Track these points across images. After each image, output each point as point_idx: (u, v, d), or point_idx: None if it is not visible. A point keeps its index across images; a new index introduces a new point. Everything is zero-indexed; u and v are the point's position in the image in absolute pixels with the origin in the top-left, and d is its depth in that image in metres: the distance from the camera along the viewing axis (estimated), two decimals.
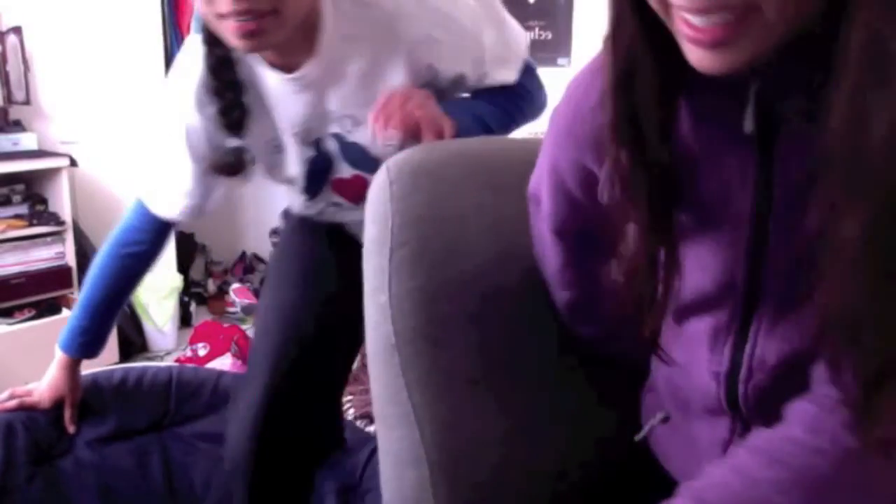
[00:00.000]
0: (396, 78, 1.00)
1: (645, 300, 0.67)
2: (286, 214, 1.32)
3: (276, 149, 1.08)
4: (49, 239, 2.68)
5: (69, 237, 2.71)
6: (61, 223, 2.68)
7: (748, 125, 0.60)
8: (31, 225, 2.63)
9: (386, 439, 0.82)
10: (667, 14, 0.53)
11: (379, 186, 0.83)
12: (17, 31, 2.68)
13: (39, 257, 2.66)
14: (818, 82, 0.51)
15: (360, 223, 1.03)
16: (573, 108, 0.70)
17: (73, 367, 1.27)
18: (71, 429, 1.30)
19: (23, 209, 2.66)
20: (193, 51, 1.02)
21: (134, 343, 2.86)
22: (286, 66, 0.99)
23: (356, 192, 1.09)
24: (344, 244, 1.21)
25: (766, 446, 0.61)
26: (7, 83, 2.66)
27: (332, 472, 1.40)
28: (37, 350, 2.34)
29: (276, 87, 1.01)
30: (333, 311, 1.17)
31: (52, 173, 2.68)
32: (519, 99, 1.10)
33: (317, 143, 1.06)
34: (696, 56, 0.51)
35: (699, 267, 0.67)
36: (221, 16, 0.86)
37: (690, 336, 0.72)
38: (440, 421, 0.79)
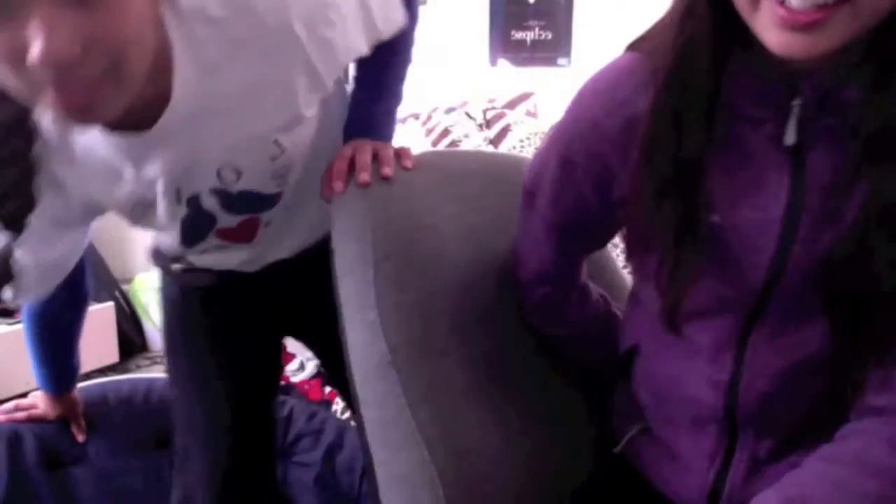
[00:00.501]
0: (287, 97, 0.80)
1: (675, 302, 0.67)
2: (157, 256, 1.07)
3: (140, 206, 0.84)
4: None
5: None
6: None
7: (789, 137, 0.62)
8: None
9: (390, 464, 0.76)
10: (754, 6, 0.55)
11: (350, 201, 0.79)
12: None
13: None
14: (873, 82, 0.55)
15: (252, 260, 1.00)
16: (602, 102, 0.70)
17: (58, 397, 1.27)
18: (80, 438, 1.30)
19: None
20: None
21: (134, 343, 2.86)
22: (130, 124, 0.73)
23: (247, 234, 0.95)
24: (239, 306, 1.09)
25: (861, 458, 0.61)
26: None
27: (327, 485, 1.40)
28: None
29: (111, 152, 0.75)
30: (256, 391, 1.13)
31: None
32: (408, 42, 0.96)
33: (191, 201, 0.85)
34: (783, 39, 0.53)
35: (716, 273, 0.67)
36: (36, 86, 0.59)
37: (688, 345, 0.72)
38: (448, 437, 0.76)
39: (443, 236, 0.82)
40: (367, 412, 0.77)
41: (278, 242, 1.00)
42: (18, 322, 2.53)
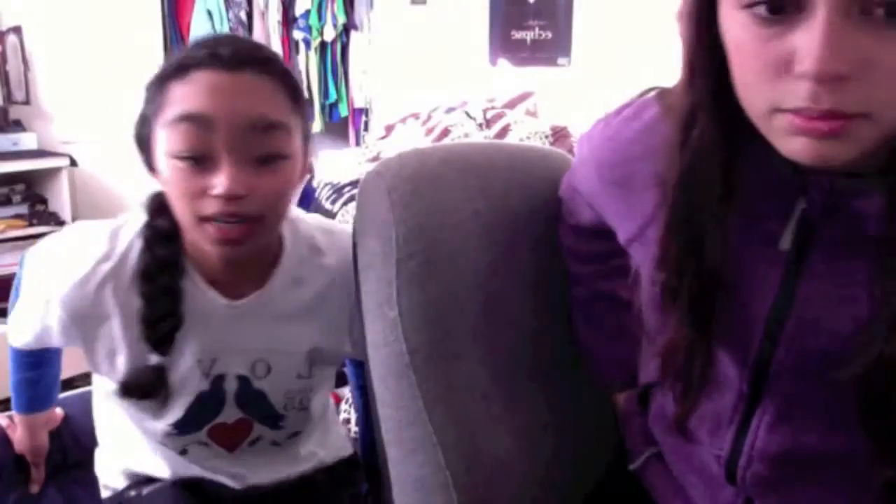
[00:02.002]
0: (318, 333, 0.93)
1: (682, 386, 0.66)
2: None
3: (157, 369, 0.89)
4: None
5: None
6: (61, 223, 2.68)
7: (784, 242, 0.59)
8: (31, 225, 2.63)
9: (404, 464, 0.76)
10: (768, 117, 0.51)
11: (375, 195, 0.78)
12: (16, 30, 2.67)
13: None
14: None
15: (234, 475, 0.97)
16: (617, 155, 0.70)
17: (30, 425, 1.11)
18: (34, 488, 1.13)
19: (23, 209, 2.66)
20: (121, 234, 0.87)
21: None
22: (226, 289, 0.88)
23: (234, 440, 0.96)
24: None
25: None
26: (7, 83, 2.66)
27: None
28: None
29: (207, 308, 0.88)
30: None
31: (51, 173, 2.68)
32: None
33: (216, 379, 0.91)
34: (801, 146, 0.50)
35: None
36: (204, 219, 0.78)
37: (692, 418, 0.70)
38: (463, 441, 0.75)
39: (465, 235, 0.79)
40: (384, 410, 0.77)
41: (254, 464, 0.99)
42: None
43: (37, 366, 1.06)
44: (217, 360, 0.90)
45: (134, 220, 0.88)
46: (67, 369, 1.16)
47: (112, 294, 0.85)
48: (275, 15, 3.44)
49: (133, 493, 0.99)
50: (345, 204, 2.79)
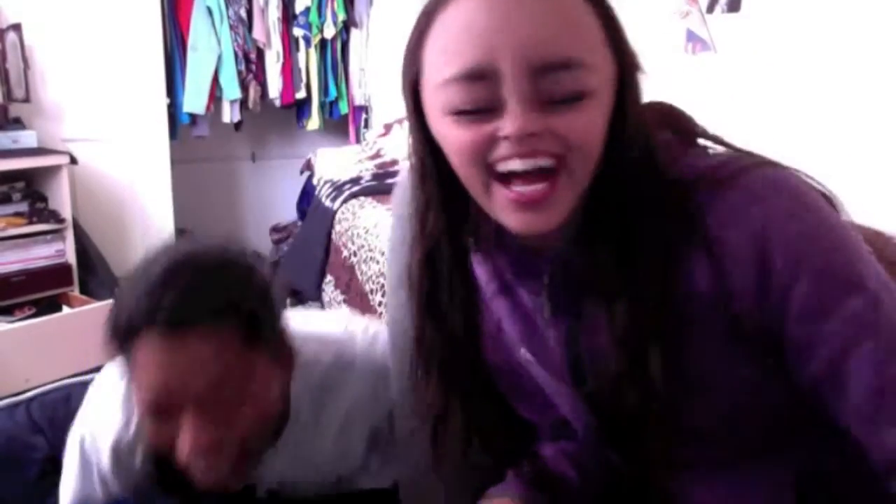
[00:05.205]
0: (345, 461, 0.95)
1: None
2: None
3: None
4: (49, 236, 2.67)
5: (69, 235, 2.71)
6: (61, 221, 2.68)
7: (546, 311, 0.68)
8: (31, 222, 2.63)
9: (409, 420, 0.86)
10: (486, 191, 0.60)
11: (402, 188, 0.87)
12: (16, 28, 2.67)
13: (39, 255, 2.66)
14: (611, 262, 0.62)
15: None
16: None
17: None
18: None
19: (23, 207, 2.66)
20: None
21: None
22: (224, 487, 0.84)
23: None
24: None
25: None
26: (7, 80, 2.66)
27: None
28: (37, 348, 2.35)
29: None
30: None
31: (52, 171, 2.68)
32: None
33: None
34: (518, 218, 0.59)
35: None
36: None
37: None
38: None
39: None
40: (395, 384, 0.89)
41: None
42: (18, 320, 2.54)
43: None
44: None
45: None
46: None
47: None
48: (274, 12, 3.43)
49: None
50: (345, 202, 2.79)
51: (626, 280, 0.61)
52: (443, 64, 0.56)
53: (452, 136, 0.58)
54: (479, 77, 0.55)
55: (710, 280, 0.60)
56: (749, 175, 0.59)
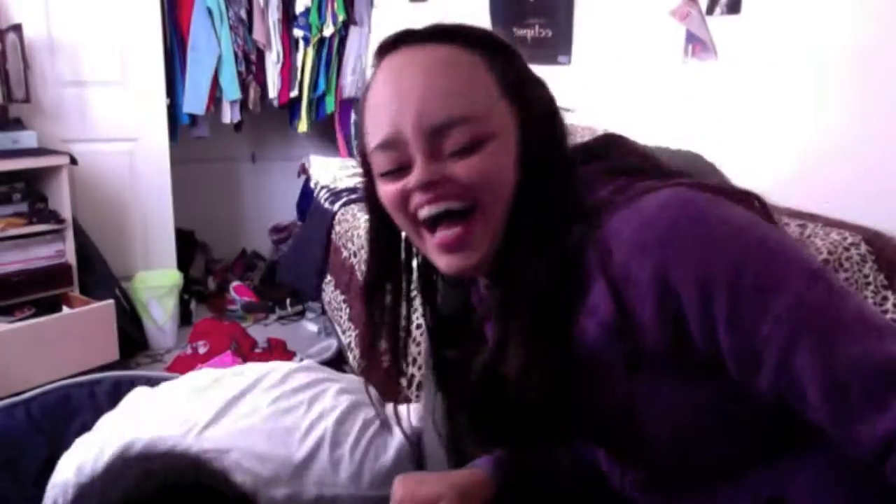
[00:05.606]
0: None
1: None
2: None
3: None
4: (49, 237, 2.67)
5: (69, 235, 2.71)
6: (61, 221, 2.68)
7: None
8: (31, 223, 2.63)
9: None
10: (420, 238, 0.69)
11: None
12: (16, 28, 2.67)
13: (39, 255, 2.66)
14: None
15: None
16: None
17: None
18: None
19: (23, 207, 2.66)
20: None
21: (134, 341, 2.86)
22: None
23: None
24: None
25: None
26: (7, 81, 2.65)
27: None
28: (37, 348, 2.35)
29: None
30: None
31: (51, 171, 2.68)
32: None
33: None
34: (444, 260, 0.68)
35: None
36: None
37: None
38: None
39: None
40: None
41: None
42: (19, 320, 2.54)
43: None
44: None
45: None
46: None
47: None
48: (274, 13, 3.43)
49: None
50: (345, 205, 2.79)
51: (524, 315, 0.66)
52: (369, 136, 0.69)
53: (383, 192, 0.69)
54: (392, 145, 0.66)
55: (613, 312, 0.62)
56: (643, 200, 0.62)
